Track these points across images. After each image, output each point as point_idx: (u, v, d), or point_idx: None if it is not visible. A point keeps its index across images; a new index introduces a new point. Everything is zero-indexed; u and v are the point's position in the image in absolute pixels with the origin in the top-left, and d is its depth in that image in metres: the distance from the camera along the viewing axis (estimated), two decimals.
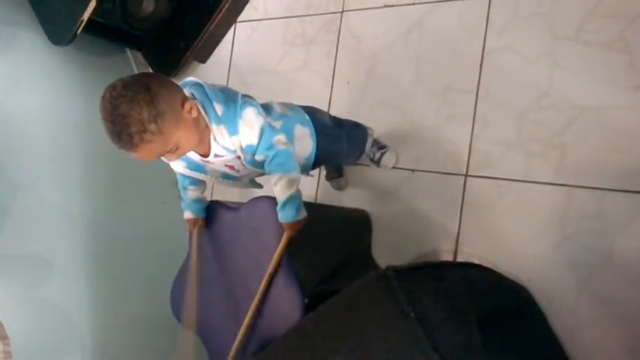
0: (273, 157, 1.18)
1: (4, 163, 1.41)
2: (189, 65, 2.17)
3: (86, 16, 1.68)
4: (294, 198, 1.17)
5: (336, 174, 1.73)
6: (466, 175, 1.51)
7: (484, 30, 1.55)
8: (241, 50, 2.13)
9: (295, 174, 1.19)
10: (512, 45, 1.49)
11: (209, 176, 1.32)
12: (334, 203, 1.74)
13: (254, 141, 1.17)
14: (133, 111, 1.01)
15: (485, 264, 1.43)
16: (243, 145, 1.19)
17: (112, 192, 1.65)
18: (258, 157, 1.20)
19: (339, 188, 1.76)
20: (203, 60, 2.18)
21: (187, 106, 1.10)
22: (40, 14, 1.86)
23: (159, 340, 1.29)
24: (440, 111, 1.58)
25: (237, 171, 1.30)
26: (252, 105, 1.19)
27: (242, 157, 1.22)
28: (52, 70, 1.80)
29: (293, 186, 1.18)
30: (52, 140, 1.59)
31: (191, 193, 1.36)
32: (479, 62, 1.54)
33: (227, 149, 1.20)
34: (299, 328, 1.03)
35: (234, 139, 1.17)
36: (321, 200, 1.79)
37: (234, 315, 1.31)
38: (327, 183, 1.77)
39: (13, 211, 1.40)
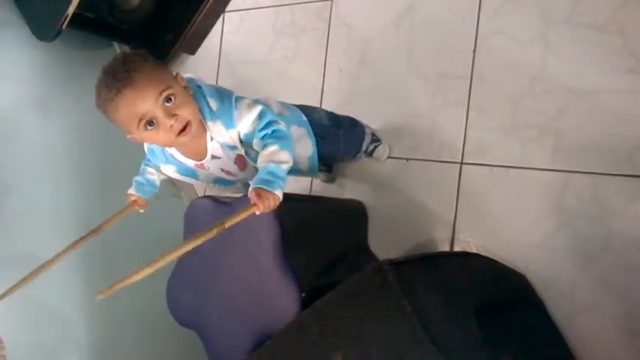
0: (272, 132, 1.09)
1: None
2: (178, 57, 2.14)
3: (71, 10, 1.64)
4: (280, 171, 1.04)
5: (324, 167, 1.70)
6: (461, 163, 1.50)
7: (476, 15, 1.52)
8: (231, 41, 2.09)
9: (288, 154, 1.07)
10: (505, 29, 1.47)
11: (200, 182, 1.29)
12: (329, 195, 1.73)
13: (251, 128, 1.11)
14: (132, 54, 1.04)
15: (482, 252, 1.42)
16: (242, 136, 1.12)
17: (103, 189, 1.62)
18: (256, 142, 1.11)
19: (329, 181, 1.74)
20: (192, 52, 2.14)
21: (179, 78, 1.08)
22: (23, 10, 1.82)
23: (155, 338, 1.28)
24: (433, 98, 1.56)
25: (233, 175, 1.27)
26: (247, 97, 1.16)
27: (244, 153, 1.16)
28: (38, 67, 1.77)
29: (281, 161, 1.05)
30: (40, 138, 1.56)
31: (150, 174, 1.29)
32: (472, 48, 1.52)
33: (226, 146, 1.15)
34: (297, 323, 1.02)
35: (231, 132, 1.12)
36: (315, 192, 1.77)
37: (231, 312, 1.30)
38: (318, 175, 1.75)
39: (2, 211, 1.38)
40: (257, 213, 1.01)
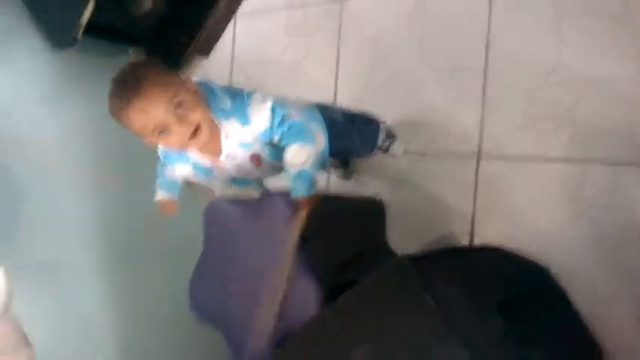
0: (289, 129, 1.13)
1: (12, 172, 1.41)
2: (192, 61, 2.16)
3: (85, 19, 1.67)
4: (306, 172, 1.12)
5: (340, 164, 1.71)
6: (478, 156, 1.50)
7: (488, 7, 1.52)
8: (243, 42, 2.11)
9: (311, 146, 1.13)
10: (518, 22, 1.47)
11: (217, 182, 1.31)
12: (346, 192, 1.73)
13: (267, 124, 1.14)
14: (140, 63, 1.09)
15: (501, 245, 1.42)
16: (258, 134, 1.15)
17: (122, 191, 1.65)
18: (276, 138, 1.15)
19: (346, 178, 1.75)
20: (206, 54, 2.16)
21: (188, 82, 1.10)
22: (39, 18, 1.84)
23: (180, 339, 1.30)
24: (448, 92, 1.56)
25: (249, 173, 1.28)
26: (258, 92, 1.18)
27: (261, 150, 1.19)
28: (54, 75, 1.80)
29: (308, 158, 1.12)
30: (58, 144, 1.59)
31: (171, 172, 1.32)
32: (485, 40, 1.51)
33: (243, 144, 1.17)
34: (319, 320, 1.03)
35: (247, 129, 1.15)
36: (332, 190, 1.78)
37: (251, 308, 1.31)
38: (334, 172, 1.76)
39: (24, 218, 1.41)
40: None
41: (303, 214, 1.12)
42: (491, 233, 1.46)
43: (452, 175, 1.54)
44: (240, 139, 1.16)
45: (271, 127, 1.14)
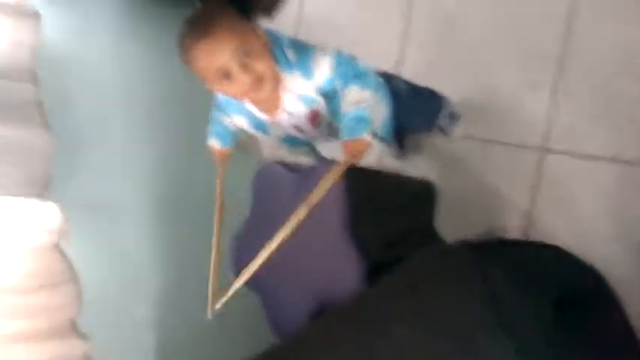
0: (352, 72, 1.09)
1: (72, 112, 1.43)
2: (256, 20, 2.13)
3: None
4: (364, 113, 1.05)
5: (396, 140, 1.65)
6: (543, 149, 1.42)
7: None
8: (311, 4, 2.06)
9: (371, 92, 1.09)
10: (602, 7, 1.36)
11: (270, 137, 1.30)
12: (398, 171, 1.69)
13: (330, 71, 1.10)
14: (213, 6, 1.05)
15: (558, 244, 1.35)
16: (321, 83, 1.12)
17: (181, 142, 1.65)
18: (337, 84, 1.11)
19: (400, 156, 1.70)
20: (271, 15, 2.12)
21: (259, 31, 1.08)
22: None
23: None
24: (519, 78, 1.48)
25: (304, 132, 1.26)
26: (324, 46, 1.15)
27: (321, 107, 1.15)
28: (118, 18, 1.79)
29: (362, 101, 1.06)
30: (120, 88, 1.60)
31: (227, 119, 1.31)
32: (565, 25, 1.42)
33: (304, 98, 1.15)
34: (363, 295, 1.01)
35: (310, 82, 1.12)
36: (384, 167, 1.74)
37: (293, 277, 1.30)
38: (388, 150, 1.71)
39: (81, 159, 1.43)
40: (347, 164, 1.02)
41: (345, 161, 1.04)
42: (546, 231, 1.39)
43: (512, 165, 1.47)
44: (301, 92, 1.14)
45: (334, 74, 1.11)
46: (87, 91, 1.48)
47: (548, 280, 1.02)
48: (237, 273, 1.39)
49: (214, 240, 1.27)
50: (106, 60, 1.59)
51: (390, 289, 0.94)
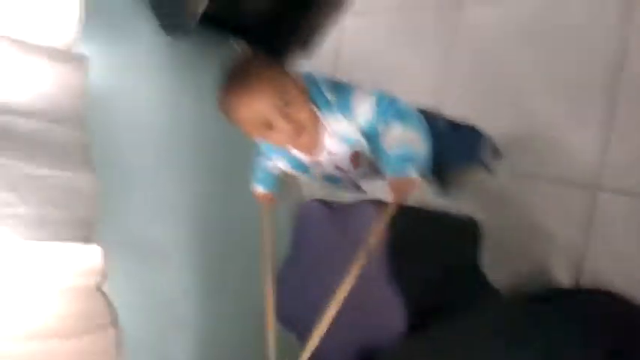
0: (395, 113, 1.07)
1: (118, 154, 1.45)
2: (293, 59, 2.14)
3: (201, 8, 1.69)
4: (410, 150, 1.02)
5: (437, 177, 1.61)
6: (597, 189, 1.35)
7: (620, 21, 1.37)
8: (349, 40, 2.06)
9: (417, 131, 1.05)
10: None
11: (310, 177, 1.29)
12: (440, 209, 1.64)
13: (372, 112, 1.08)
14: (252, 58, 1.07)
15: (609, 287, 1.28)
16: (362, 123, 1.10)
17: (222, 186, 1.66)
18: (380, 127, 1.08)
19: (441, 193, 1.66)
20: (309, 54, 2.14)
21: (298, 80, 1.08)
22: (155, 5, 1.89)
23: (259, 340, 1.28)
24: (569, 113, 1.43)
25: (346, 172, 1.24)
26: (363, 86, 1.14)
27: (363, 148, 1.14)
28: (164, 60, 1.83)
29: (411, 140, 1.04)
30: (165, 131, 1.62)
31: (269, 164, 1.31)
32: (619, 56, 1.36)
33: (346, 140, 1.13)
34: (414, 345, 0.96)
35: (351, 123, 1.11)
36: (424, 205, 1.69)
37: (334, 331, 1.27)
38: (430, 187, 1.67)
39: (124, 199, 1.45)
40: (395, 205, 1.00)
41: (394, 202, 1.01)
42: (600, 277, 1.31)
43: (562, 205, 1.41)
44: (342, 133, 1.12)
45: (376, 115, 1.09)
46: (132, 131, 1.50)
47: (606, 329, 0.96)
48: (279, 321, 1.37)
49: (267, 290, 1.24)
50: (151, 99, 1.62)
51: (441, 344, 0.89)
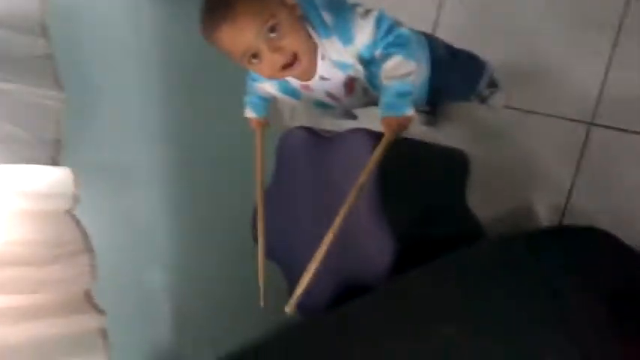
0: (395, 39, 0.98)
1: (85, 72, 1.33)
2: None
3: None
4: (407, 87, 0.97)
5: (427, 107, 1.55)
6: (591, 124, 1.32)
7: None
8: None
9: (413, 62, 0.98)
10: None
11: (300, 102, 1.20)
12: (427, 139, 1.59)
13: (371, 36, 0.99)
14: None
15: (594, 222, 1.28)
16: (361, 48, 1.01)
17: (197, 103, 1.56)
18: (378, 52, 1.00)
19: (430, 124, 1.60)
20: None
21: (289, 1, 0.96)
22: None
23: (242, 264, 1.25)
24: (568, 45, 1.37)
25: (338, 99, 1.16)
26: (360, 5, 1.02)
27: (362, 73, 1.05)
28: None
29: (406, 73, 0.98)
30: (135, 46, 1.49)
31: (261, 88, 1.22)
32: None
33: (342, 64, 1.04)
34: (402, 286, 0.93)
35: (350, 48, 1.01)
36: (413, 136, 1.64)
37: (315, 248, 1.24)
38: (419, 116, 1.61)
39: (93, 119, 1.35)
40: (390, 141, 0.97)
41: (387, 138, 0.98)
42: (586, 211, 1.31)
43: (555, 140, 1.38)
44: (338, 59, 1.03)
45: (375, 39, 0.99)
46: (100, 45, 1.37)
47: (607, 269, 0.94)
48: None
49: (260, 213, 1.20)
50: (122, 10, 1.47)
51: (435, 283, 0.86)
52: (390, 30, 0.98)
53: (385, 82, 0.98)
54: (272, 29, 0.92)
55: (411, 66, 0.98)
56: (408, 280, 0.90)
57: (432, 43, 1.23)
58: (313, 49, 1.01)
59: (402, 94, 0.97)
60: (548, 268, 0.78)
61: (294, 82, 1.12)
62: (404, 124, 0.97)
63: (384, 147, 0.97)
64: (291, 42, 0.95)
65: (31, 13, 1.08)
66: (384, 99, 0.98)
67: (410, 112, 0.97)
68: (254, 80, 1.21)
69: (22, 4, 1.06)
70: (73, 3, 1.35)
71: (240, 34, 0.92)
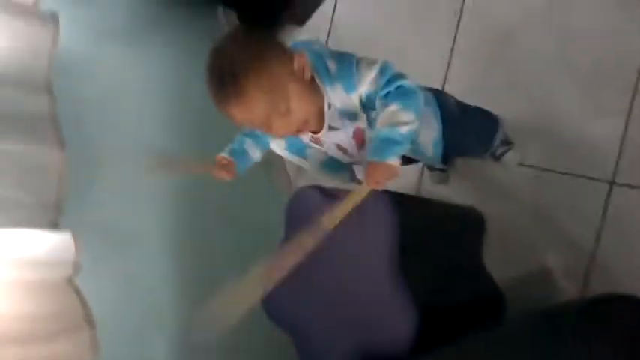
0: (396, 89, 0.95)
1: (90, 127, 1.31)
2: (285, 29, 1.99)
3: None
4: (396, 135, 0.91)
5: (442, 165, 1.51)
6: (612, 183, 1.28)
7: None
8: (344, 13, 1.92)
9: (412, 114, 0.93)
10: None
11: (309, 163, 1.16)
12: (439, 198, 1.55)
13: (373, 84, 0.96)
14: (239, 49, 0.92)
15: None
16: (364, 94, 0.98)
17: (193, 134, 1.53)
18: (379, 102, 0.97)
19: (441, 182, 1.56)
20: (301, 23, 1.99)
21: (298, 62, 0.94)
22: None
23: (247, 329, 1.18)
24: (584, 103, 1.34)
25: (349, 155, 1.12)
26: (368, 57, 1.01)
27: (366, 121, 1.02)
28: (141, 28, 1.67)
29: (400, 122, 0.92)
30: (141, 107, 1.48)
31: (249, 147, 1.17)
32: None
33: (346, 113, 1.01)
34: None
35: (353, 95, 0.98)
36: (424, 194, 1.60)
37: (331, 321, 1.17)
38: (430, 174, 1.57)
39: (97, 176, 1.31)
40: (367, 190, 0.93)
41: (367, 186, 0.93)
42: (612, 278, 1.25)
43: (574, 200, 1.33)
44: (344, 106, 1.00)
45: (377, 87, 0.96)
46: (105, 104, 1.35)
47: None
48: (270, 313, 1.27)
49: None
50: (127, 71, 1.46)
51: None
52: (392, 80, 0.96)
53: (379, 127, 0.94)
54: (283, 97, 0.92)
55: (408, 116, 0.93)
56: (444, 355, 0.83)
57: (440, 98, 1.20)
58: (321, 100, 1.00)
59: (389, 141, 0.92)
60: (589, 344, 0.71)
61: (304, 136, 1.09)
62: (385, 174, 0.92)
63: (359, 196, 0.94)
64: (302, 113, 0.96)
65: (39, 71, 1.06)
66: (371, 144, 0.95)
67: (393, 161, 0.91)
68: (248, 137, 1.17)
69: (30, 61, 1.04)
70: (78, 60, 1.34)
71: (250, 114, 0.92)
